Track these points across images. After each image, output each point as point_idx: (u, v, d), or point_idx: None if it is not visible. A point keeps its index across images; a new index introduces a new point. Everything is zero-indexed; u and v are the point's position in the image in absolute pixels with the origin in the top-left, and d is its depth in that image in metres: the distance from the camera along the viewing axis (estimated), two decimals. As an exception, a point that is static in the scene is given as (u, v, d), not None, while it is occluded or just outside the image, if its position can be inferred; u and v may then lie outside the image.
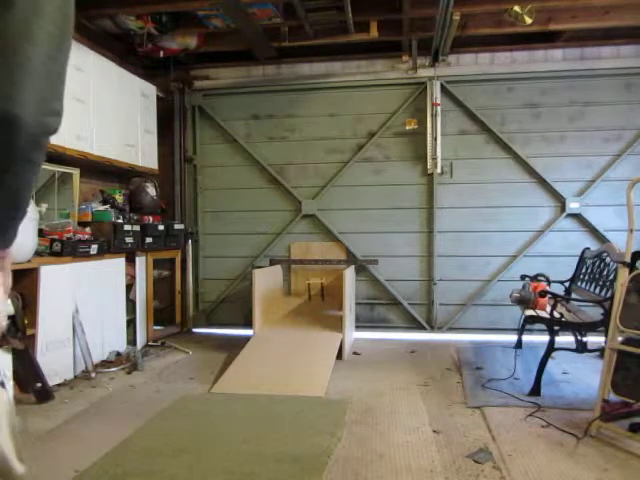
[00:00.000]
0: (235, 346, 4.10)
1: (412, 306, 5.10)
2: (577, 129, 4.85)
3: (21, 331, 2.94)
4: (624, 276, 2.60)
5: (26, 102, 0.73)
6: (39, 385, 3.06)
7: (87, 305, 3.68)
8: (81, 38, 4.12)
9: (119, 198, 4.57)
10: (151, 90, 4.97)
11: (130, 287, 4.33)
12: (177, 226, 4.95)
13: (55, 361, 3.35)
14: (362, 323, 5.12)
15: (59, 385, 3.37)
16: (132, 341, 4.32)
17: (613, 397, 2.52)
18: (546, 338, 3.32)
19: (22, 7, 0.72)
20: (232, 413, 2.91)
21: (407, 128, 5.05)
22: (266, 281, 4.63)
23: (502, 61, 4.98)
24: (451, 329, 5.03)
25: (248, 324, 4.44)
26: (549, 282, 4.13)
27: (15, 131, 0.72)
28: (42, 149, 0.78)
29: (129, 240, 4.22)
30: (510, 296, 3.73)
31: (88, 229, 4.00)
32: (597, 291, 3.63)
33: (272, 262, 5.23)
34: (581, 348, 3.22)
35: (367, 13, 4.37)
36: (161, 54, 4.83)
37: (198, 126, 5.42)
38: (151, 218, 4.82)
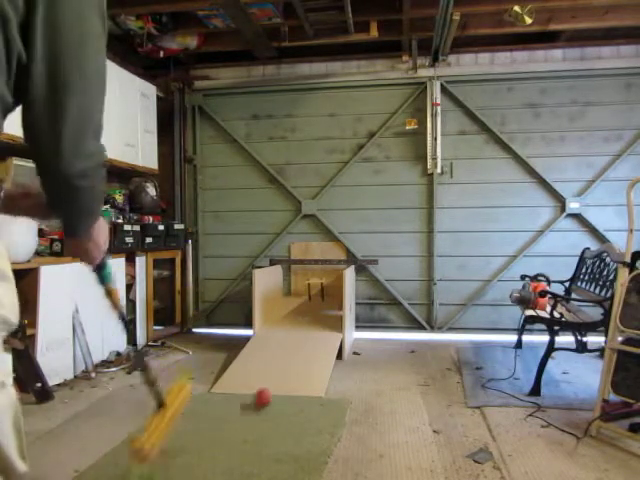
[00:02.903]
0: (235, 346, 4.10)
1: (412, 306, 5.10)
2: (577, 129, 4.85)
3: (21, 331, 2.94)
4: (624, 276, 2.60)
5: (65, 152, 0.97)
6: (39, 385, 3.07)
7: (87, 305, 3.68)
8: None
9: (119, 198, 4.57)
10: (151, 90, 4.97)
11: (130, 287, 4.33)
12: (177, 226, 4.95)
13: (55, 361, 3.35)
14: (362, 323, 5.12)
15: (59, 385, 3.37)
16: (132, 341, 4.32)
17: (613, 397, 2.52)
18: (546, 338, 3.32)
19: (65, 63, 0.93)
20: (232, 413, 2.91)
21: (407, 128, 5.05)
22: (266, 281, 4.63)
23: (502, 61, 4.98)
24: (451, 329, 5.03)
25: (248, 324, 4.43)
26: (549, 282, 4.13)
27: (62, 179, 1.00)
28: (90, 177, 1.04)
29: (129, 240, 4.22)
30: (510, 296, 3.73)
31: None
32: (597, 291, 3.63)
33: (272, 262, 5.23)
34: (581, 348, 3.22)
35: (367, 13, 4.37)
36: (161, 54, 4.83)
37: (198, 126, 5.42)
38: (151, 218, 4.82)
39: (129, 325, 1.61)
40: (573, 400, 3.05)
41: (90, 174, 1.03)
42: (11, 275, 1.04)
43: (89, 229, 1.16)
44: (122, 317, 1.55)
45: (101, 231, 1.23)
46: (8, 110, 0.95)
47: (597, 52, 4.84)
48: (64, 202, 1.07)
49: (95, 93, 1.00)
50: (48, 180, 1.03)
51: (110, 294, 1.46)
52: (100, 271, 1.39)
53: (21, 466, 1.05)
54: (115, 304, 1.49)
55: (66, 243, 1.20)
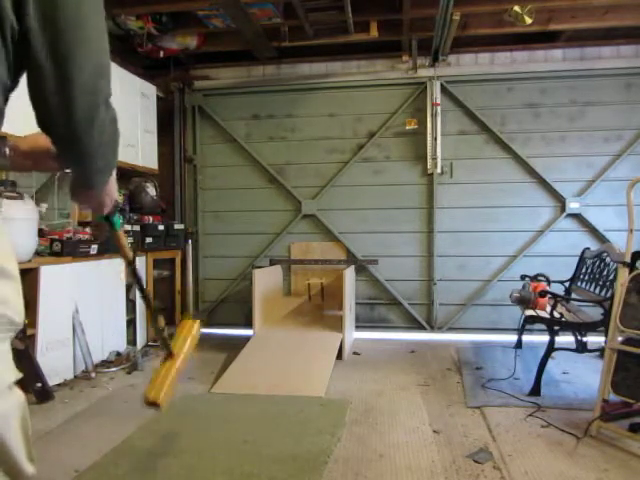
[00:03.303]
0: (235, 346, 4.09)
1: (412, 306, 5.10)
2: (577, 129, 4.85)
3: (21, 331, 2.94)
4: (624, 276, 2.60)
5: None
6: (39, 385, 3.06)
7: (87, 305, 3.68)
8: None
9: (119, 198, 4.57)
10: (151, 90, 4.97)
11: (130, 287, 4.33)
12: (177, 226, 4.94)
13: (55, 361, 3.35)
14: (362, 323, 5.12)
15: (59, 385, 3.37)
16: (132, 341, 4.32)
17: (613, 397, 2.52)
18: (546, 338, 3.32)
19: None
20: (232, 413, 2.91)
21: (407, 128, 5.05)
22: (266, 281, 4.63)
23: (502, 61, 4.98)
24: (451, 329, 5.03)
25: (248, 324, 4.43)
26: (549, 282, 4.12)
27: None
28: (107, 145, 1.05)
29: (129, 240, 4.22)
30: (510, 296, 3.73)
31: (88, 229, 4.00)
32: (597, 291, 3.63)
33: (272, 262, 5.23)
34: (581, 348, 3.22)
35: (367, 13, 4.37)
36: (161, 54, 4.83)
37: (198, 126, 5.42)
38: (151, 218, 4.82)
39: (134, 265, 1.72)
40: (573, 400, 3.05)
41: (106, 141, 1.04)
42: (17, 275, 1.03)
43: (105, 183, 1.19)
44: (129, 262, 1.65)
45: (113, 182, 1.26)
46: (8, 90, 0.92)
47: (597, 52, 4.84)
48: (82, 166, 1.08)
49: (98, 58, 0.95)
50: (66, 156, 1.05)
51: (118, 240, 1.55)
52: (110, 219, 1.46)
53: (29, 468, 1.05)
54: (124, 250, 1.59)
55: (78, 194, 1.20)
